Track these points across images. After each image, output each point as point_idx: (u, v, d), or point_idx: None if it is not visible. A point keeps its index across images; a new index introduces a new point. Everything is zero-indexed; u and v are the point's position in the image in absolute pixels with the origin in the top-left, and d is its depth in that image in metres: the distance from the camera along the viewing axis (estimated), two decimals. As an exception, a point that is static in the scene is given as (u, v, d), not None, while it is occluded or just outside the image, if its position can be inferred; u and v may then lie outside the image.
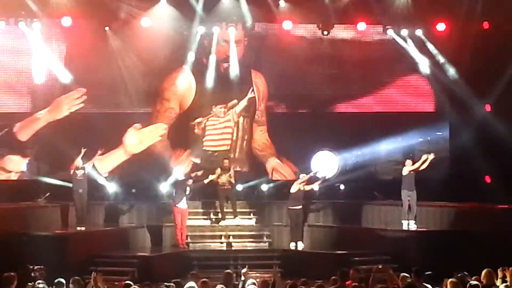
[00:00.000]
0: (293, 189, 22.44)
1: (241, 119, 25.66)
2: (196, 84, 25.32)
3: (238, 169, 24.87)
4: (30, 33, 23.71)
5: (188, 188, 22.40)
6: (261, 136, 25.83)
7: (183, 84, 25.33)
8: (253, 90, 25.57)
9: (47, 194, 23.31)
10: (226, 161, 23.77)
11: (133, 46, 24.73)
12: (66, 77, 24.18)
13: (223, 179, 23.29)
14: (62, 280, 13.30)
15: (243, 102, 25.57)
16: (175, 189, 22.82)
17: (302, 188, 22.42)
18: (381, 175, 25.43)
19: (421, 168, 22.11)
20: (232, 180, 23.44)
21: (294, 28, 24.87)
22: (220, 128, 25.55)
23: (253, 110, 25.72)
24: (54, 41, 24.45)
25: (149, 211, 23.93)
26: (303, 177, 22.63)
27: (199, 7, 24.09)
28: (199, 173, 23.49)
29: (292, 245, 22.37)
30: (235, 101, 25.52)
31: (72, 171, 22.10)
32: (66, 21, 23.56)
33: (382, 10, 24.36)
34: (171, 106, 25.37)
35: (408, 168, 22.15)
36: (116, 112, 24.84)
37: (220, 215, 23.58)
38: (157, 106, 25.36)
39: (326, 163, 25.04)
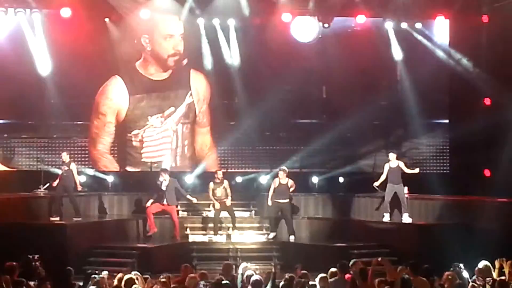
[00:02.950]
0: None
1: (179, 126, 25.29)
2: (128, 94, 25.01)
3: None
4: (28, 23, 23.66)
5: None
6: (204, 137, 25.61)
7: (117, 95, 25.02)
8: (191, 95, 25.26)
9: (47, 184, 23.30)
10: (219, 173, 22.97)
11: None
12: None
13: (218, 192, 22.73)
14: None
15: (181, 109, 25.22)
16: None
17: (283, 183, 22.42)
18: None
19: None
20: (228, 191, 22.81)
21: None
22: (158, 139, 25.18)
23: (193, 115, 25.31)
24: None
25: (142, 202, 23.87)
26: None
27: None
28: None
29: (271, 235, 22.48)
30: (172, 108, 25.13)
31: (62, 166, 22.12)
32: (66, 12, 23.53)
33: (382, 3, 24.34)
34: (108, 120, 25.07)
35: (390, 164, 22.12)
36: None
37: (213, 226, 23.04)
38: (94, 122, 25.06)
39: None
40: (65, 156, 22.20)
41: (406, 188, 22.93)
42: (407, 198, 22.23)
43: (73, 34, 23.50)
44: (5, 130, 24.52)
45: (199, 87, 25.39)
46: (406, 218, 21.92)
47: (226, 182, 22.86)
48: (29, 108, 24.23)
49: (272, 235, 22.55)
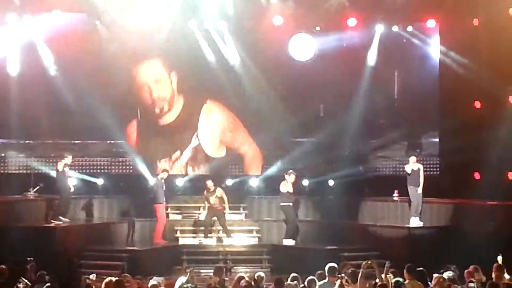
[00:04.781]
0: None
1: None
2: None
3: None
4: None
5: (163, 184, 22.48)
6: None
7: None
8: (197, 136, 25.20)
9: (38, 187, 23.23)
10: (208, 182, 22.83)
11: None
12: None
13: (212, 200, 22.67)
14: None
15: (187, 153, 25.10)
16: (156, 188, 22.68)
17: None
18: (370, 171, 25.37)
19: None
20: (224, 198, 22.79)
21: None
22: None
23: (201, 157, 25.23)
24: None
25: (134, 205, 23.90)
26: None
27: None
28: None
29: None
30: (178, 153, 24.96)
31: (61, 168, 21.97)
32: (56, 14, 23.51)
33: (373, 7, 24.34)
34: None
35: (411, 166, 22.02)
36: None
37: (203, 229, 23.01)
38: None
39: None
40: (70, 159, 22.14)
41: (396, 191, 23.02)
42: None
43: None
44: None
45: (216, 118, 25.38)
46: (418, 222, 21.81)
47: (219, 190, 22.84)
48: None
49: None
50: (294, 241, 22.33)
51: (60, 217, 21.54)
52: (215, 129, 25.22)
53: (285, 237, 22.37)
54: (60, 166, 21.71)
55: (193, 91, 24.94)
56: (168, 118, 25.02)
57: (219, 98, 25.10)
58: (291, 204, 22.46)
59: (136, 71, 24.88)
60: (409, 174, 21.78)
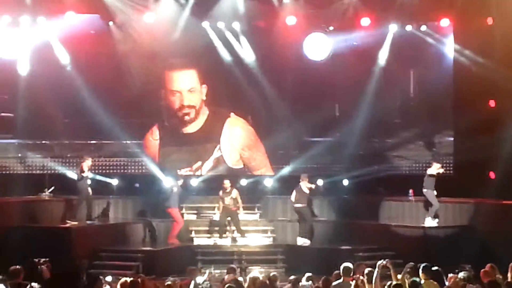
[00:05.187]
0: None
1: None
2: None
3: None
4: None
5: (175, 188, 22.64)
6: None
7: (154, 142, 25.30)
8: (219, 148, 25.19)
9: (52, 188, 23.32)
10: (226, 182, 23.04)
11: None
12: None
13: (227, 201, 22.76)
14: None
15: (209, 163, 25.02)
16: (170, 193, 22.78)
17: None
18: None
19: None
20: (239, 200, 22.94)
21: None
22: None
23: (222, 168, 25.17)
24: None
25: (146, 206, 24.01)
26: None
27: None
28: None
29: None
30: (199, 163, 24.93)
31: (86, 171, 22.12)
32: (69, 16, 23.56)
33: (386, 6, 24.30)
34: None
35: (435, 170, 22.01)
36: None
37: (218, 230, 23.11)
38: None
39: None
40: (90, 162, 22.30)
41: (411, 191, 22.97)
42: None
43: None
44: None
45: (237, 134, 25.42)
46: (429, 222, 21.79)
47: (235, 192, 22.94)
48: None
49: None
50: (309, 241, 22.37)
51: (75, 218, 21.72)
52: (236, 144, 25.31)
53: (301, 235, 22.41)
54: (84, 168, 21.97)
55: (218, 103, 25.14)
56: (192, 128, 25.13)
57: (242, 112, 25.23)
58: (306, 204, 22.52)
59: (171, 77, 25.08)
60: (433, 176, 21.71)
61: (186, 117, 24.96)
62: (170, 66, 24.98)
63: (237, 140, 25.29)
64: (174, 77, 25.11)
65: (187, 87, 25.01)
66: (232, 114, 25.14)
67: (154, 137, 25.08)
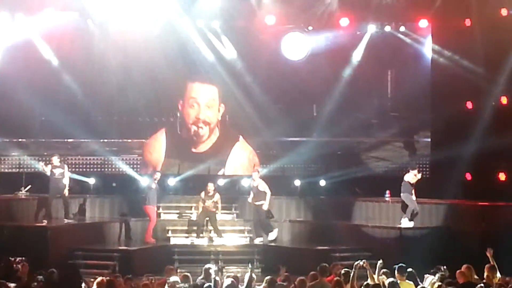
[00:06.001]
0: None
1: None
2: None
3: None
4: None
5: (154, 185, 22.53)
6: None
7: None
8: (224, 173, 25.26)
9: (29, 186, 23.19)
10: (210, 185, 22.86)
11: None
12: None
13: (208, 203, 22.60)
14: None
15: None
16: (148, 190, 22.68)
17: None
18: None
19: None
20: (219, 204, 22.84)
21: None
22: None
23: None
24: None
25: (124, 205, 23.91)
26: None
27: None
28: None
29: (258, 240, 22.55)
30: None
31: (48, 171, 22.03)
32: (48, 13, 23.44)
33: (365, 7, 24.35)
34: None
35: (412, 177, 21.86)
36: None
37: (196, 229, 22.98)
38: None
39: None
40: (56, 160, 22.11)
41: (388, 192, 23.03)
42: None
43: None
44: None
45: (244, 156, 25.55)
46: (406, 223, 21.72)
47: (217, 196, 22.85)
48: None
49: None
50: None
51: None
52: (238, 167, 25.54)
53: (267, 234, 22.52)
54: (47, 169, 21.85)
55: (229, 125, 25.33)
56: (203, 147, 25.40)
57: (250, 136, 25.39)
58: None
59: (191, 87, 25.20)
60: (411, 184, 21.68)
61: (201, 132, 25.21)
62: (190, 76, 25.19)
63: (241, 164, 25.52)
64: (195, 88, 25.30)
65: (205, 100, 25.22)
66: (240, 137, 25.30)
67: (158, 142, 25.17)
